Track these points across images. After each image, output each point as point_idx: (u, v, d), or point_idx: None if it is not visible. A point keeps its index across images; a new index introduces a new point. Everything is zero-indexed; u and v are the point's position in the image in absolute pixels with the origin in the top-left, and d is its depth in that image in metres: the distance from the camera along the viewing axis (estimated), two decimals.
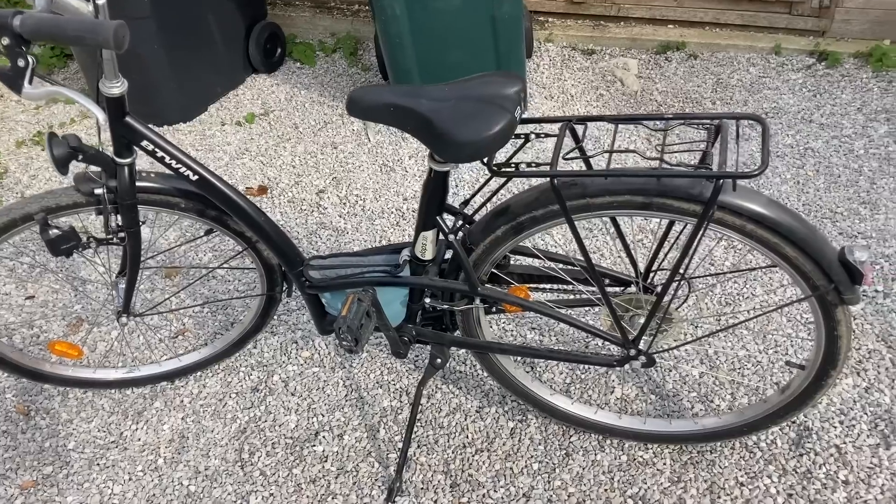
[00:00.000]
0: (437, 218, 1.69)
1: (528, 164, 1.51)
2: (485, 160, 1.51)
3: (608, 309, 1.65)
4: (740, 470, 1.97)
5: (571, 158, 1.46)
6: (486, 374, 2.27)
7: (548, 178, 1.48)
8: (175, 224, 3.02)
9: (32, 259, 2.90)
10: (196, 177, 1.75)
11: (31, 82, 1.38)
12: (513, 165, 1.52)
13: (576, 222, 1.54)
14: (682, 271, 1.57)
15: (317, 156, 3.47)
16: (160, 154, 1.70)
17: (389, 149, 3.45)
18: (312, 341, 2.49)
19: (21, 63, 1.38)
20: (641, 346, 1.74)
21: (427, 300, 1.83)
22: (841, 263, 1.50)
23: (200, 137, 3.69)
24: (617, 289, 1.81)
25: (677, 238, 1.84)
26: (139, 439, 2.23)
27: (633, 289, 1.81)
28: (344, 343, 1.72)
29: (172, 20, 3.55)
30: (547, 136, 1.57)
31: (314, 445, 2.17)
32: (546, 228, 1.63)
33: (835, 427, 2.03)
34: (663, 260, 1.77)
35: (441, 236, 1.74)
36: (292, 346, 2.48)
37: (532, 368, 2.29)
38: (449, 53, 3.32)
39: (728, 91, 3.55)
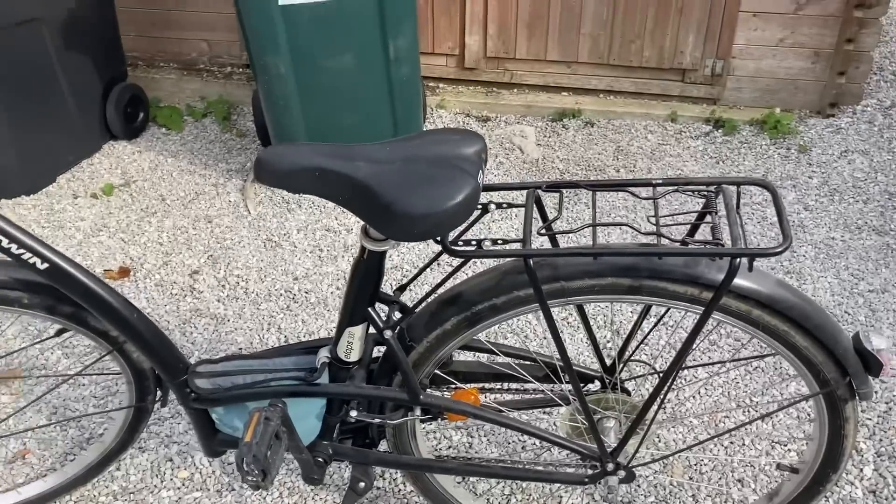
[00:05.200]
0: (370, 309, 1.34)
1: (494, 242, 1.20)
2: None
3: (585, 415, 1.34)
4: None
5: (554, 233, 1.17)
6: (417, 495, 1.90)
7: (519, 258, 1.18)
8: (14, 321, 2.49)
9: None
10: (46, 265, 1.32)
11: None
12: (473, 243, 1.21)
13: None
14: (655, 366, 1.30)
15: (188, 231, 3.03)
16: None
17: (274, 221, 3.06)
18: (192, 457, 2.03)
19: None
20: (620, 457, 1.44)
21: (353, 413, 1.45)
22: (856, 352, 1.28)
23: (48, 212, 3.16)
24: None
25: (636, 326, 1.56)
26: None
27: (595, 386, 1.53)
28: (249, 478, 1.31)
29: (14, 76, 3.06)
30: (510, 205, 1.27)
31: None
32: (508, 318, 1.32)
33: None
34: (634, 351, 1.50)
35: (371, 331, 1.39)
36: (166, 466, 2.02)
37: (462, 480, 1.94)
38: (341, 117, 3.01)
39: (630, 158, 3.42)
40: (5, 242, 1.29)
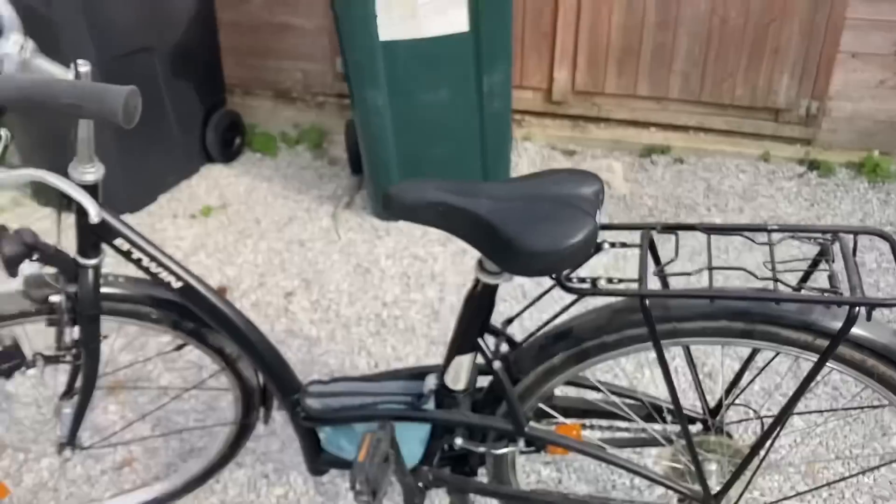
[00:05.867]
0: (479, 340, 1.38)
1: (610, 280, 1.23)
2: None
3: (691, 456, 1.35)
4: None
5: (667, 275, 1.19)
6: None
7: (635, 298, 1.20)
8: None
9: None
10: (180, 283, 1.41)
11: (1, 162, 1.06)
12: (587, 280, 1.24)
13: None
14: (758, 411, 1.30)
15: (282, 254, 3.13)
16: (137, 255, 1.37)
17: (363, 247, 3.14)
18: (287, 476, 2.10)
19: None
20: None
21: (458, 440, 1.49)
22: None
23: (149, 231, 3.31)
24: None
25: (742, 370, 1.56)
26: None
27: (697, 427, 1.53)
28: (361, 497, 1.36)
29: None
30: (624, 245, 1.30)
31: None
32: (615, 357, 1.34)
33: None
34: (738, 395, 1.50)
35: (479, 361, 1.43)
36: (262, 482, 2.09)
37: None
38: (433, 148, 3.09)
39: (721, 197, 3.40)
40: (145, 261, 1.38)
